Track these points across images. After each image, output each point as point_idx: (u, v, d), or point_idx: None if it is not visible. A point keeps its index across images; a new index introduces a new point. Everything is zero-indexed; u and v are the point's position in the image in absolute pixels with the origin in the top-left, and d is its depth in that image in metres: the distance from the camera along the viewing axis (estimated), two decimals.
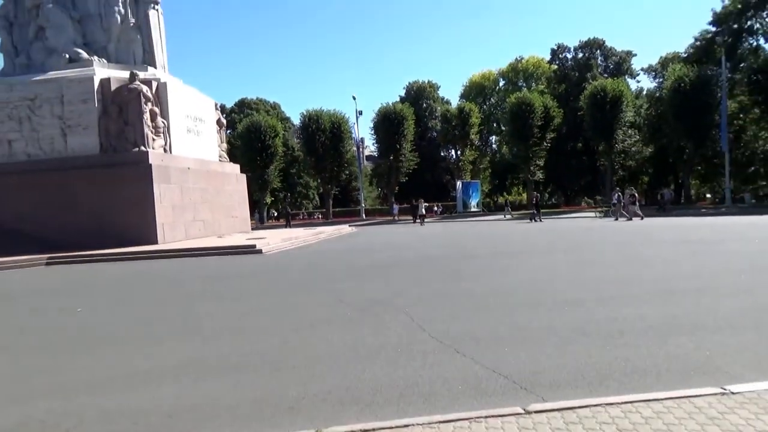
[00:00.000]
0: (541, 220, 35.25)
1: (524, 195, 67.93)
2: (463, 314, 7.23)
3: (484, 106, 71.36)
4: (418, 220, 40.20)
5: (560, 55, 71.44)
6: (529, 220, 36.07)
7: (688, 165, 50.34)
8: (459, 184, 56.38)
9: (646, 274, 10.27)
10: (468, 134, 58.79)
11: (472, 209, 55.25)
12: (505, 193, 76.18)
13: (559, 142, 56.80)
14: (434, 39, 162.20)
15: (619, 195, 34.54)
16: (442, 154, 70.91)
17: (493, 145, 74.69)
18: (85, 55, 25.02)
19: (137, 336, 7.14)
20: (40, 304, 10.70)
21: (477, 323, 6.65)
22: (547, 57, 71.88)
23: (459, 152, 61.71)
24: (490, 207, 67.36)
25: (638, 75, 70.42)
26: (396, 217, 49.66)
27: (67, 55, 24.79)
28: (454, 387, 4.45)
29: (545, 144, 52.98)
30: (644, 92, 65.28)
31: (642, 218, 30.97)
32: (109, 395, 4.73)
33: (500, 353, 5.30)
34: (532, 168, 53.57)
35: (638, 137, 56.43)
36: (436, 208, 54.60)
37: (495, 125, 70.82)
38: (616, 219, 32.22)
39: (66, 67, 24.38)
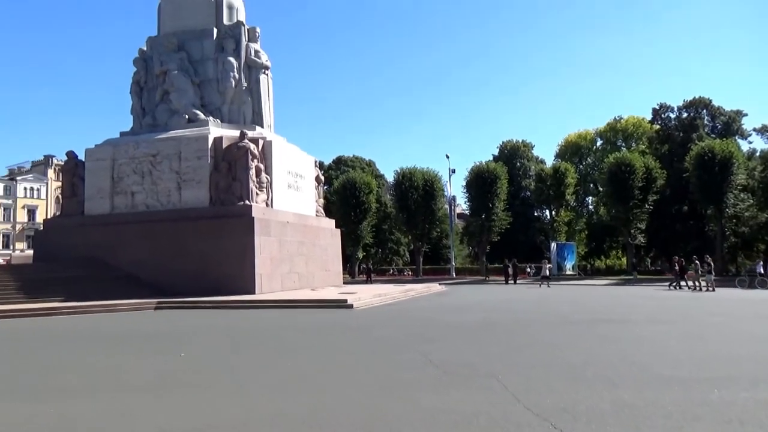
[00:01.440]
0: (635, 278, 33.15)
1: (623, 259, 64.62)
2: (560, 385, 6.91)
3: (581, 166, 69.69)
4: (511, 281, 39.19)
5: (662, 115, 68.80)
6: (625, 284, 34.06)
7: None
8: (553, 245, 54.68)
9: (764, 352, 9.36)
10: (563, 194, 57.36)
11: (567, 272, 53.18)
12: (602, 257, 72.80)
13: (662, 204, 53.86)
14: (529, 98, 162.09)
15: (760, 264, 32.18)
16: (535, 213, 69.50)
17: (590, 206, 72.25)
18: (202, 115, 27.33)
19: (226, 384, 7.43)
20: (147, 347, 11.42)
21: (576, 397, 6.32)
22: (648, 116, 69.50)
23: (553, 212, 60.15)
24: (586, 270, 64.53)
25: (750, 135, 66.24)
26: (487, 277, 48.72)
27: (187, 116, 27.20)
28: None
29: (647, 206, 50.45)
30: (758, 153, 61.06)
31: (713, 290, 28.57)
32: None
33: None
34: (632, 231, 51.05)
35: (752, 201, 52.48)
36: (529, 270, 53.04)
37: (592, 186, 68.69)
38: (697, 289, 29.69)
39: (185, 127, 26.72)
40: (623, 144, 68.54)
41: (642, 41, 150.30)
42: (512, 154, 74.11)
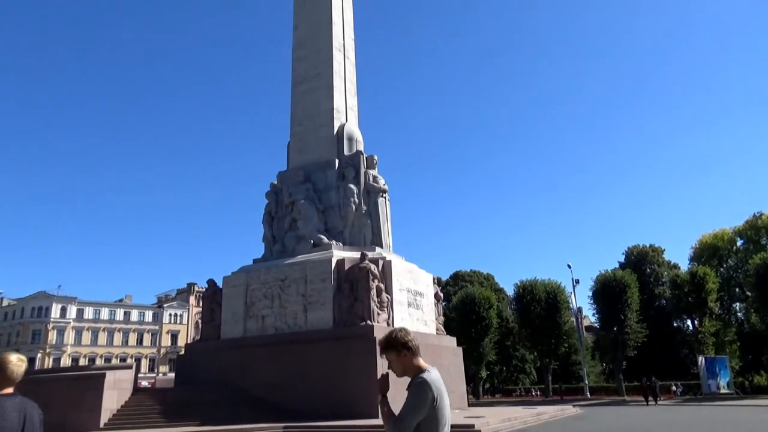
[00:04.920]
0: None
1: None
2: None
3: (721, 269, 63.53)
4: (653, 401, 35.30)
5: None
6: None
7: None
8: (701, 360, 48.85)
9: None
10: (705, 302, 52.05)
11: (722, 391, 46.81)
12: (762, 371, 63.71)
13: None
14: (655, 199, 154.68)
15: None
16: (675, 324, 63.38)
17: (739, 314, 64.72)
18: (325, 239, 28.94)
19: None
20: None
21: None
22: None
23: (696, 322, 54.50)
24: (744, 388, 56.57)
25: None
26: (625, 397, 44.25)
27: (312, 241, 28.93)
28: None
29: None
30: None
31: None
32: None
33: None
34: None
35: None
36: (674, 388, 47.55)
37: (738, 290, 61.99)
38: None
39: (310, 251, 28.33)
40: None
41: None
42: (640, 260, 69.54)
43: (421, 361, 3.96)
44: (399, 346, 3.90)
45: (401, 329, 4.04)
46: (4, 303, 78.85)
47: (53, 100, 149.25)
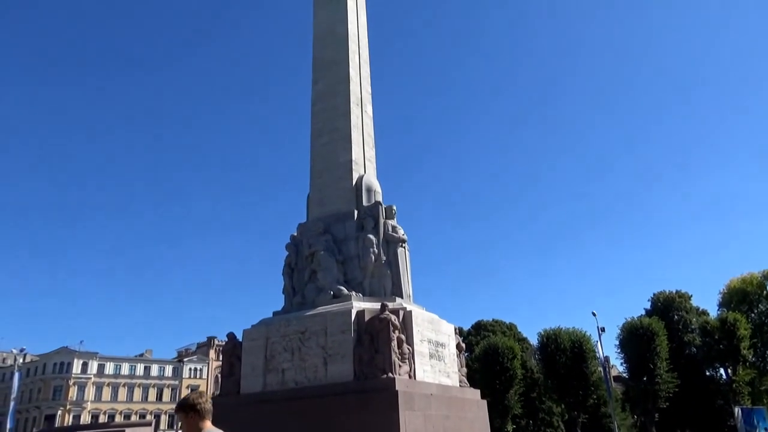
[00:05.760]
0: None
1: None
2: None
3: (752, 315, 61.68)
4: None
5: None
6: None
7: None
8: (738, 411, 46.73)
9: None
10: (737, 349, 50.55)
11: None
12: None
13: None
14: (679, 245, 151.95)
15: None
16: (707, 373, 61.15)
17: None
18: (345, 290, 28.81)
19: None
20: None
21: None
22: None
23: (729, 371, 52.58)
24: None
25: None
26: None
27: (332, 292, 28.81)
28: None
29: None
30: None
31: None
32: None
33: None
34: None
35: None
36: None
37: None
38: None
39: (330, 303, 28.19)
40: None
41: None
42: (667, 307, 67.89)
43: (208, 425, 3.86)
44: (187, 408, 3.83)
45: (197, 392, 3.98)
46: (27, 359, 79.33)
47: (81, 164, 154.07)
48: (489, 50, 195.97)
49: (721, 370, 55.78)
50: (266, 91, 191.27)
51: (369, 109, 36.66)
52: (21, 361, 74.09)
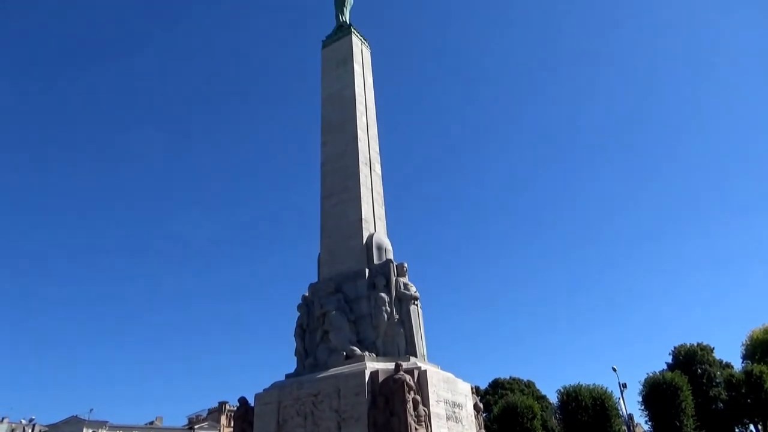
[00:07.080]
0: None
1: None
2: None
3: None
4: None
5: None
6: None
7: None
8: None
9: None
10: (766, 403, 48.62)
11: None
12: None
13: None
14: (698, 296, 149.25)
15: None
16: (737, 430, 58.74)
17: None
18: (358, 351, 28.32)
19: None
20: None
21: None
22: None
23: (760, 427, 50.53)
24: None
25: None
26: None
27: (344, 353, 28.33)
28: None
29: None
30: None
31: None
32: None
33: None
34: None
35: None
36: None
37: None
38: None
39: (343, 364, 27.66)
40: None
41: None
42: (689, 360, 65.93)
43: None
44: None
45: None
46: (36, 430, 77.77)
47: (94, 221, 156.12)
48: (494, 101, 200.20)
49: (751, 426, 53.61)
50: (275, 160, 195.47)
51: (377, 167, 37.13)
52: None
